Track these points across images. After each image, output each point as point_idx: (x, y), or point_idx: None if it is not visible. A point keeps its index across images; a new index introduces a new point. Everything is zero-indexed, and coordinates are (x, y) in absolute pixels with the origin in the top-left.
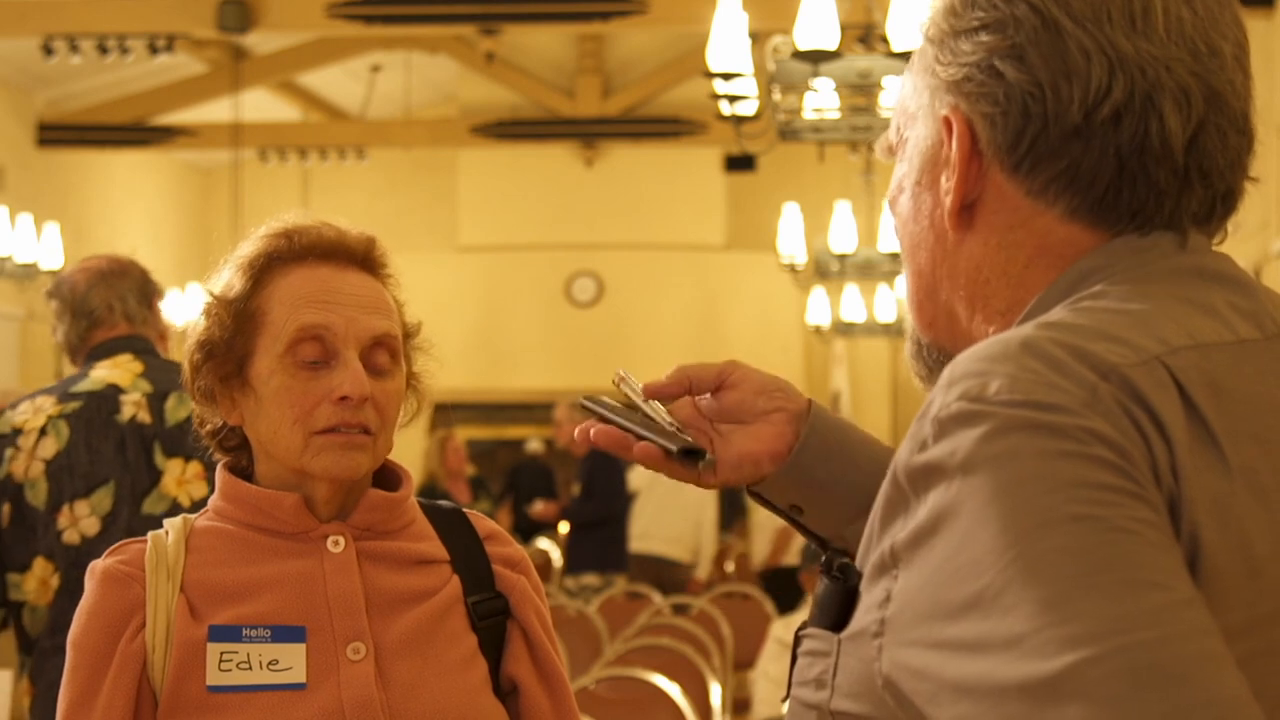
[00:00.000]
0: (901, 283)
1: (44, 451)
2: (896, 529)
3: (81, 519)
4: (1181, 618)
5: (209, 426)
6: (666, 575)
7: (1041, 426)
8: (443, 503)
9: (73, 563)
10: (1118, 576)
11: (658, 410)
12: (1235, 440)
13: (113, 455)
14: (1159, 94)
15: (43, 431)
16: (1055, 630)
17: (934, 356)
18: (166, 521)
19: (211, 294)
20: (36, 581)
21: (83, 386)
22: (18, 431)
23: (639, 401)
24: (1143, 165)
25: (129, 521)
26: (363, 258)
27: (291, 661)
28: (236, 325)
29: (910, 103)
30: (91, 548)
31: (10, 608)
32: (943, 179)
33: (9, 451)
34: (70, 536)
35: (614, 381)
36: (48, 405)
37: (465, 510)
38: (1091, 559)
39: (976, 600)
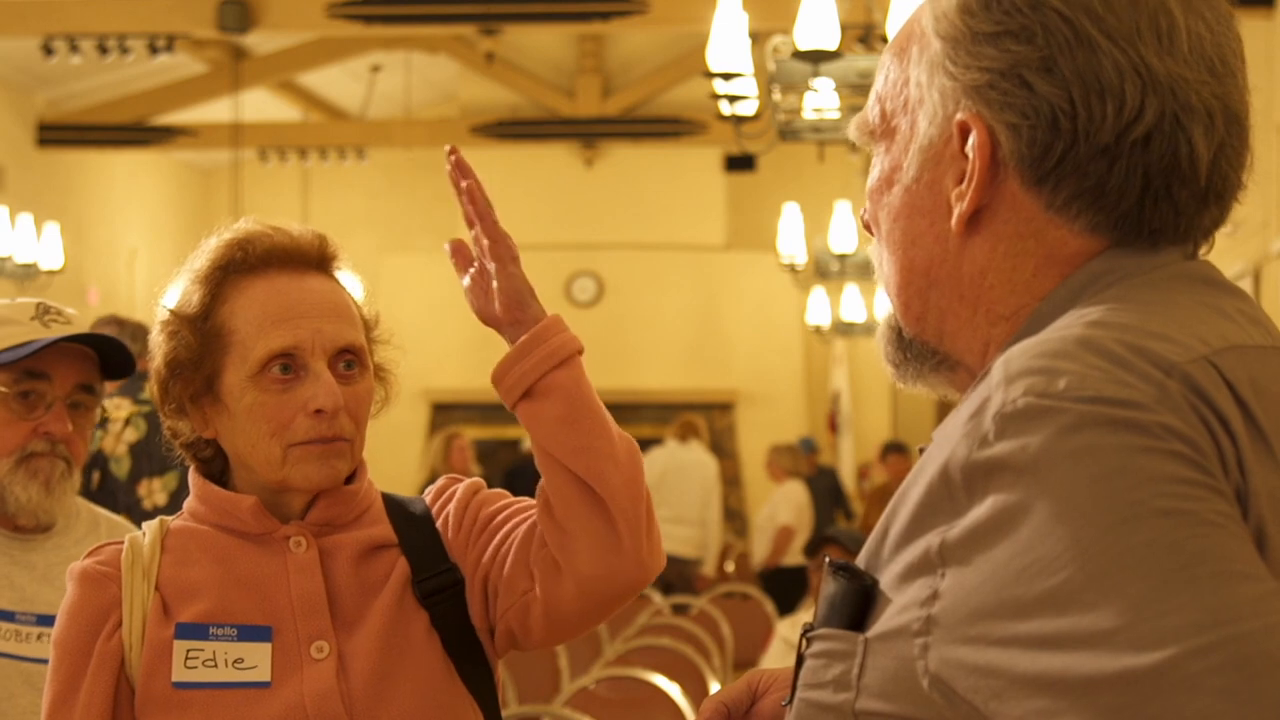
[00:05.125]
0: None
1: (128, 437)
2: (942, 527)
3: (155, 492)
4: (1278, 607)
5: (182, 439)
6: (674, 572)
7: (1120, 422)
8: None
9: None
10: (1213, 569)
11: None
12: (1277, 438)
13: None
14: (1187, 116)
15: (127, 422)
16: (1154, 622)
17: (916, 349)
18: (145, 523)
19: (170, 310)
20: None
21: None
22: (106, 419)
23: None
24: (1167, 186)
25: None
26: (318, 260)
27: (257, 660)
28: (202, 344)
29: (909, 93)
30: (160, 514)
31: None
32: (947, 179)
33: (99, 433)
34: (146, 504)
35: None
36: (125, 404)
37: (420, 499)
38: (1185, 552)
39: (1053, 595)
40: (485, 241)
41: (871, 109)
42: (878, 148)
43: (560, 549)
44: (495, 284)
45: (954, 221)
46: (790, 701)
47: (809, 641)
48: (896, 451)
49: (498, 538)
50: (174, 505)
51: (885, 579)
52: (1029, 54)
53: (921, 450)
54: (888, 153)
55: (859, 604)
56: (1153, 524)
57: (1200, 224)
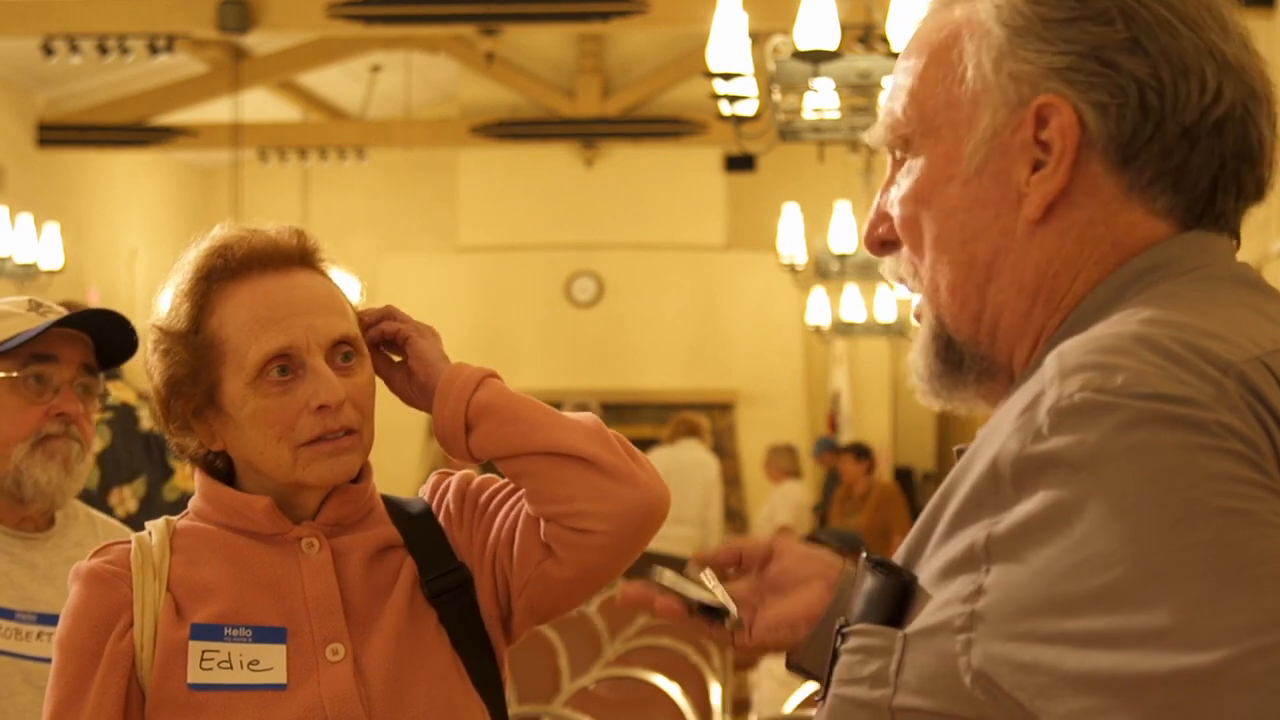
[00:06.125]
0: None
1: (95, 446)
2: (987, 522)
3: (126, 499)
4: None
5: (190, 453)
6: (675, 572)
7: (1178, 420)
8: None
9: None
10: (1272, 570)
11: (711, 580)
12: None
13: (142, 454)
14: (1253, 101)
15: None
16: (1211, 622)
17: (967, 355)
18: (148, 523)
19: (159, 328)
20: None
21: (107, 401)
22: None
23: (704, 579)
24: (1237, 170)
25: (159, 503)
26: (299, 255)
27: (272, 662)
28: (196, 359)
29: (963, 88)
30: (133, 521)
31: None
32: (1017, 168)
33: None
34: (119, 512)
35: (685, 573)
36: None
37: (418, 499)
38: (1245, 553)
39: (1106, 593)
40: (398, 328)
41: (903, 108)
42: (908, 151)
43: (571, 520)
44: (412, 358)
45: (1031, 209)
46: (824, 697)
47: (844, 637)
48: (853, 453)
49: (499, 516)
50: (145, 510)
51: (925, 575)
52: (1111, 35)
53: (959, 452)
54: (924, 155)
55: (897, 600)
56: (1211, 523)
57: (1245, 211)
